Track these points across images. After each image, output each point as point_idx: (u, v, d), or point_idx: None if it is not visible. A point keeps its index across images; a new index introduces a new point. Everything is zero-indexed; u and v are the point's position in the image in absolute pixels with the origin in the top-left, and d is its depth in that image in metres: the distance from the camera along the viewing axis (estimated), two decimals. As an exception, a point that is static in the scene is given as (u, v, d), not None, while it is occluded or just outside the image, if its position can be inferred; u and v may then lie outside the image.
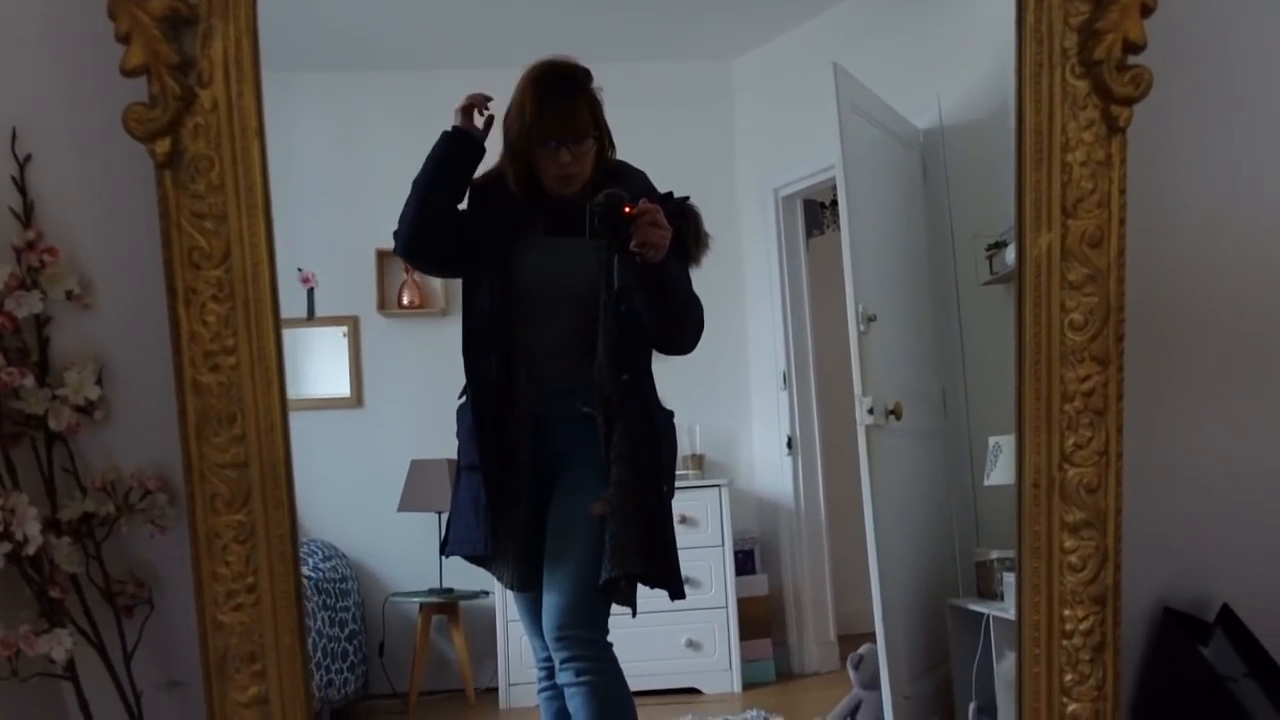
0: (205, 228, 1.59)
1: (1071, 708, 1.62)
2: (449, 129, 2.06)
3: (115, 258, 1.79)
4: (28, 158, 1.76)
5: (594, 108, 2.04)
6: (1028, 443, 1.62)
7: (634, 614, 1.93)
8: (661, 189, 2.07)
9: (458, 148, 2.04)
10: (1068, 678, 1.61)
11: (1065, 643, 1.61)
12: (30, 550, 1.67)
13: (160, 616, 1.83)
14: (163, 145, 1.56)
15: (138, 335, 1.78)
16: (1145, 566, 1.83)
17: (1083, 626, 1.61)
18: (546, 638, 1.93)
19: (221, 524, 1.59)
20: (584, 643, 1.91)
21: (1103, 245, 1.59)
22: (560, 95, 2.00)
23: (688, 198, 2.05)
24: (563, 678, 1.92)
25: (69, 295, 1.75)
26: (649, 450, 1.93)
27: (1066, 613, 1.61)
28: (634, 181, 2.05)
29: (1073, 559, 1.61)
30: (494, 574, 2.07)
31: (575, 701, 1.90)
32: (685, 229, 2.00)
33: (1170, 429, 1.89)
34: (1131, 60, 1.59)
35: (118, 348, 1.80)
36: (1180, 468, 1.90)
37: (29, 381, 1.71)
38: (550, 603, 1.93)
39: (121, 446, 1.81)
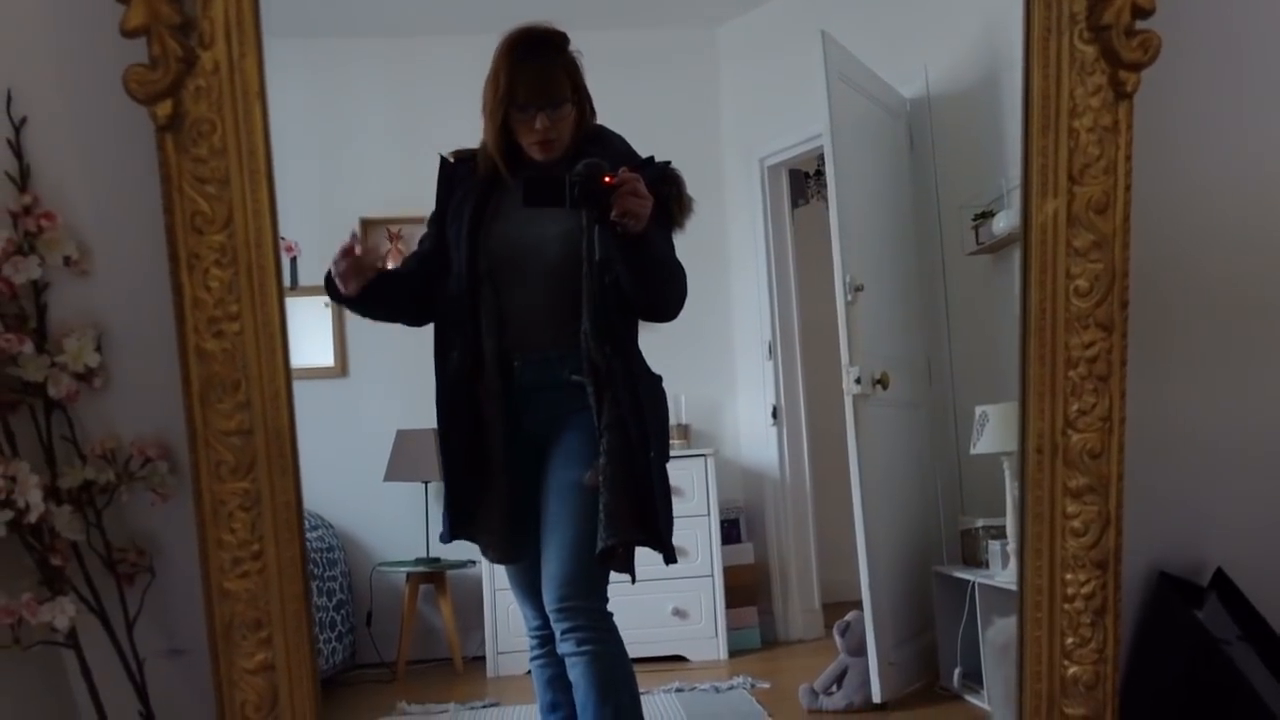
0: (208, 192, 1.56)
1: (1072, 670, 1.64)
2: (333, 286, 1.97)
3: (114, 223, 1.76)
4: (23, 120, 1.73)
5: (572, 72, 1.99)
6: (1031, 408, 1.63)
7: (633, 580, 1.93)
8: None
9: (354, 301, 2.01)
10: (1068, 641, 1.63)
11: (1067, 606, 1.62)
12: (32, 518, 1.65)
13: (161, 585, 1.81)
14: (164, 108, 1.54)
15: (137, 302, 1.75)
16: (1140, 531, 1.84)
17: (1084, 590, 1.62)
18: (547, 608, 1.92)
19: (226, 491, 1.58)
20: (584, 612, 1.90)
21: (1108, 211, 1.60)
22: (536, 59, 1.96)
23: (669, 163, 2.03)
24: (563, 648, 1.91)
25: (67, 261, 1.72)
26: (635, 418, 1.92)
27: (1068, 576, 1.62)
28: (615, 147, 2.02)
29: (1075, 524, 1.62)
30: (482, 548, 2.06)
31: (576, 671, 1.90)
32: (668, 193, 1.97)
33: (1167, 394, 1.90)
34: (1140, 25, 1.59)
35: (117, 314, 1.78)
36: (1176, 433, 1.91)
37: (27, 348, 1.69)
38: (549, 573, 1.92)
39: (121, 414, 1.79)
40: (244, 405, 1.58)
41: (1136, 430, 1.74)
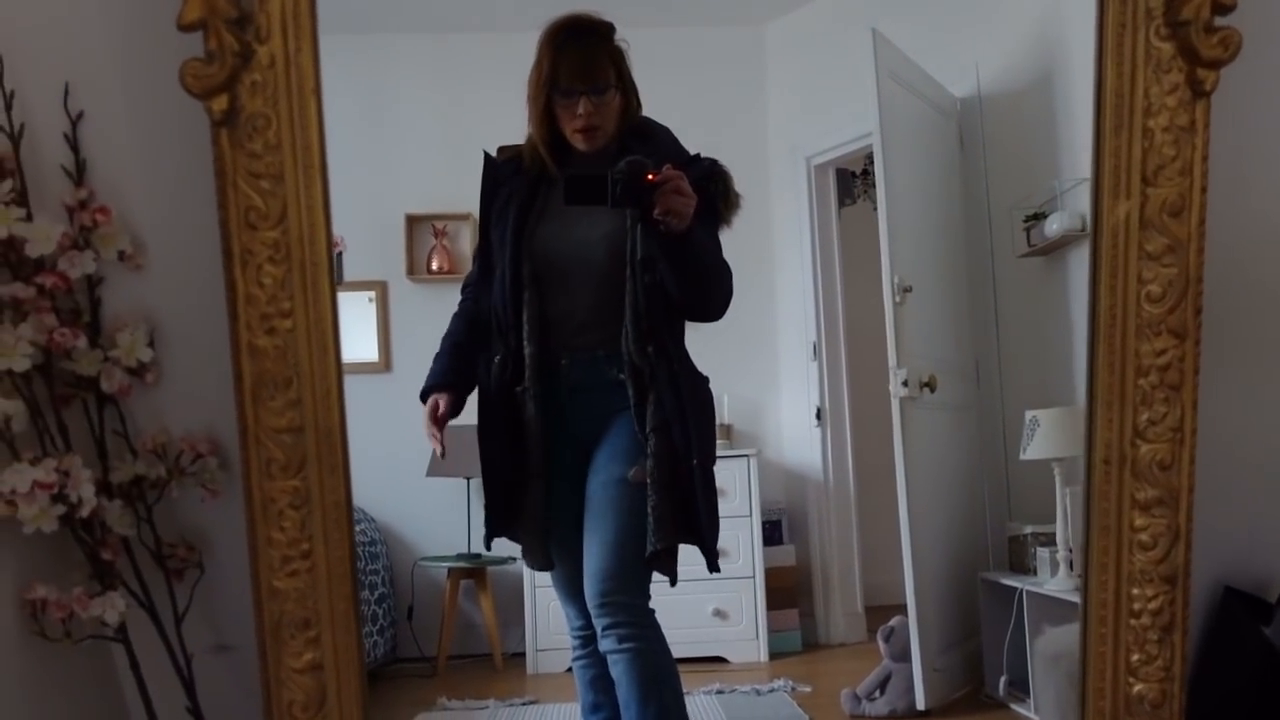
0: (262, 187, 1.54)
1: (1137, 688, 1.58)
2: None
3: (168, 218, 1.75)
4: (80, 115, 1.72)
5: (616, 58, 1.94)
6: (1099, 417, 1.57)
7: (673, 583, 1.89)
8: (691, 157, 2.00)
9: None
10: (1134, 658, 1.57)
11: (1133, 622, 1.57)
12: (84, 512, 1.64)
13: (210, 581, 1.80)
14: (220, 102, 1.52)
15: (190, 297, 1.74)
16: (1205, 543, 1.77)
17: (1151, 606, 1.56)
18: (589, 604, 1.89)
19: (277, 489, 1.56)
20: (626, 608, 1.87)
21: (1183, 215, 1.54)
22: (580, 44, 1.91)
23: (716, 160, 1.98)
24: (605, 644, 1.88)
25: (121, 256, 1.71)
26: (679, 423, 1.88)
27: (1135, 591, 1.57)
28: (661, 141, 1.98)
29: (1143, 537, 1.56)
30: (523, 552, 2.03)
31: (618, 668, 1.86)
32: (714, 191, 1.92)
33: (1236, 404, 1.83)
34: (1219, 21, 1.53)
35: (169, 309, 1.76)
36: (1246, 444, 1.85)
37: (81, 342, 1.68)
38: (591, 569, 1.89)
39: (172, 409, 1.78)
40: (295, 403, 1.56)
41: (1201, 439, 1.67)
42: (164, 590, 1.77)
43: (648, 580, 1.90)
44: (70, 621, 1.68)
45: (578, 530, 1.94)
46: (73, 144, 1.71)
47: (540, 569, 2.03)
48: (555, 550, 1.98)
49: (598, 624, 1.89)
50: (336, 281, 4.87)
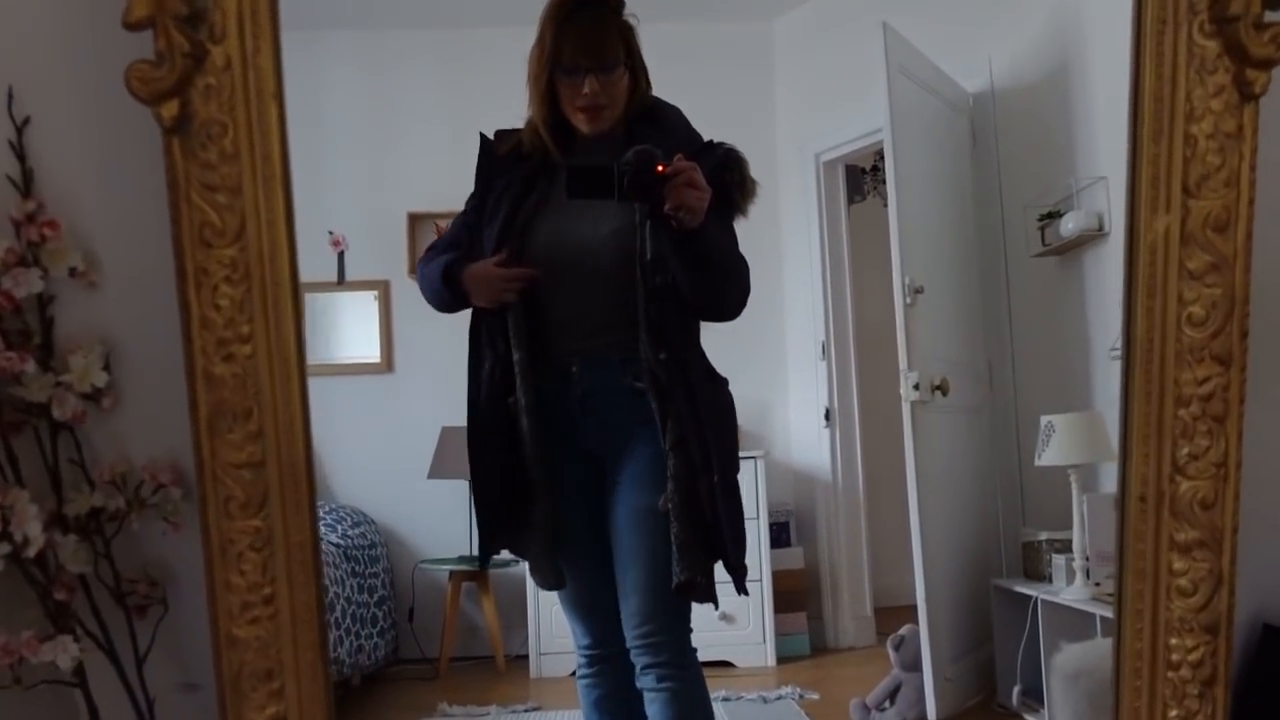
0: (217, 201, 1.38)
1: (1174, 745, 1.41)
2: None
3: (124, 231, 1.58)
4: (26, 120, 1.55)
5: (626, 34, 1.76)
6: (1134, 452, 1.39)
7: (716, 608, 1.74)
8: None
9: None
10: (1172, 713, 1.40)
11: (1170, 674, 1.40)
12: (31, 552, 1.49)
13: (175, 617, 1.64)
14: (170, 108, 1.35)
15: (149, 316, 1.57)
16: (1245, 578, 1.61)
17: (1191, 658, 1.39)
18: (628, 641, 1.76)
19: (236, 529, 1.40)
20: (667, 648, 1.73)
21: (1229, 229, 1.36)
22: (585, 18, 1.73)
23: (732, 146, 1.80)
24: (643, 681, 1.75)
25: (73, 272, 1.55)
26: (697, 438, 1.72)
27: (1173, 641, 1.39)
28: (672, 124, 1.81)
29: (1182, 582, 1.39)
30: (531, 570, 1.87)
31: (654, 707, 1.74)
32: (730, 179, 1.75)
33: (1272, 432, 1.66)
34: (1270, 17, 1.35)
35: (127, 330, 1.60)
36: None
37: (29, 367, 1.52)
38: (630, 607, 1.75)
39: (133, 436, 1.62)
40: (256, 435, 1.40)
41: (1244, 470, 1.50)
42: (124, 629, 1.61)
43: (688, 612, 1.76)
44: (20, 666, 1.53)
45: (590, 546, 1.80)
46: (19, 152, 1.54)
47: (550, 588, 1.86)
48: (565, 567, 1.83)
49: (636, 660, 1.75)
50: (338, 280, 4.71)
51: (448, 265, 1.81)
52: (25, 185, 1.55)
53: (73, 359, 1.54)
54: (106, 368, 1.57)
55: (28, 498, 1.49)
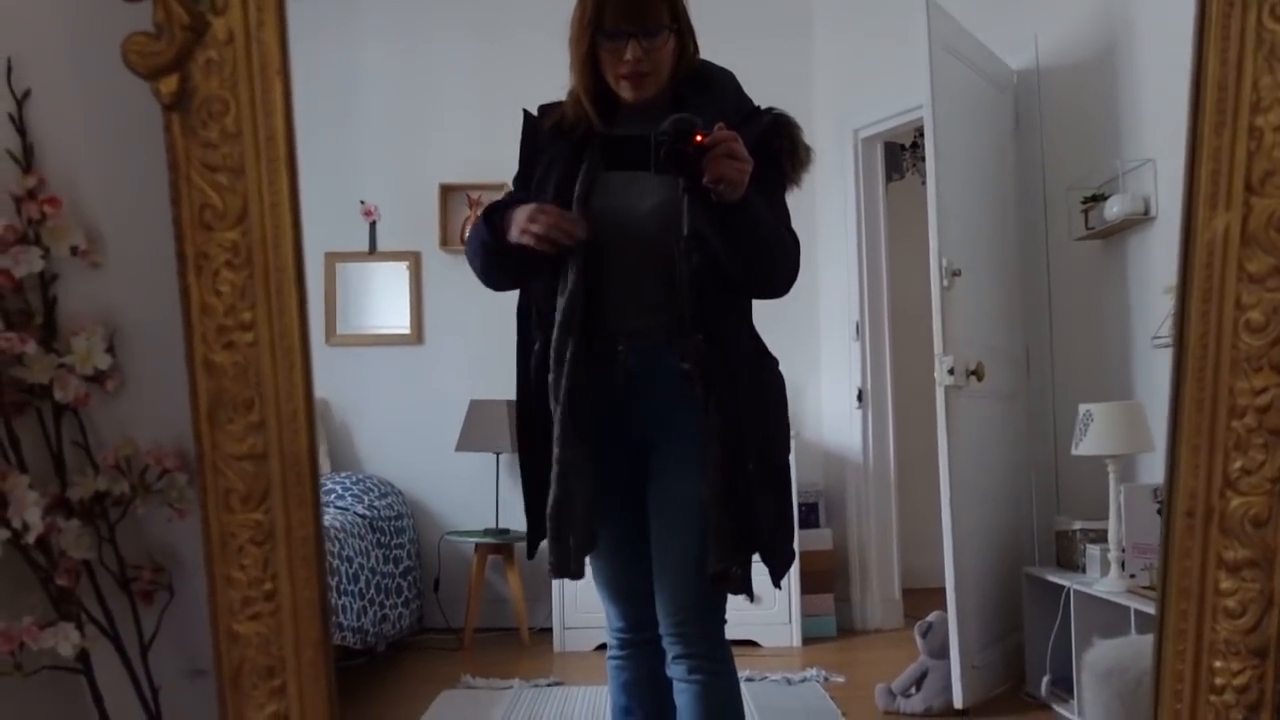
0: (219, 182, 1.30)
1: (1216, 773, 1.32)
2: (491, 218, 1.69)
3: (129, 209, 1.50)
4: (26, 93, 1.47)
5: None
6: (1183, 463, 1.29)
7: (751, 599, 1.68)
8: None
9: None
10: (1214, 740, 1.31)
11: (1213, 699, 1.29)
12: (30, 538, 1.43)
13: (181, 603, 1.58)
14: (169, 83, 1.27)
15: (154, 297, 1.49)
16: None
17: (1236, 682, 1.29)
18: (662, 630, 1.70)
19: (236, 523, 1.33)
20: (700, 640, 1.68)
21: (1294, 231, 1.24)
22: None
23: (783, 112, 1.68)
24: (674, 671, 1.70)
25: (74, 251, 1.48)
26: (736, 426, 1.63)
27: (1218, 664, 1.29)
28: (721, 89, 1.71)
29: (1230, 603, 1.28)
30: (555, 559, 1.77)
31: (684, 698, 1.69)
32: (779, 146, 1.64)
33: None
34: (1348, 0, 1.23)
35: (132, 311, 1.52)
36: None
37: (31, 348, 1.45)
38: (664, 597, 1.69)
39: (138, 419, 1.55)
40: (257, 426, 1.32)
41: None
42: (129, 616, 1.56)
43: (723, 605, 1.70)
44: (21, 653, 1.48)
45: (628, 530, 1.73)
46: (19, 126, 1.47)
47: (571, 577, 1.74)
48: (602, 548, 1.75)
49: (669, 649, 1.69)
50: (370, 250, 4.66)
51: (492, 205, 1.72)
52: (26, 160, 1.47)
53: (75, 340, 1.48)
54: (110, 350, 1.50)
55: (27, 483, 1.43)
